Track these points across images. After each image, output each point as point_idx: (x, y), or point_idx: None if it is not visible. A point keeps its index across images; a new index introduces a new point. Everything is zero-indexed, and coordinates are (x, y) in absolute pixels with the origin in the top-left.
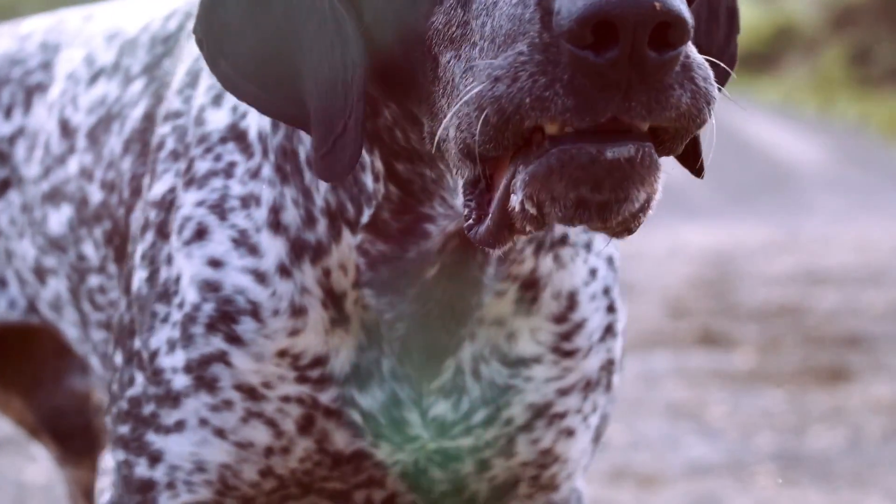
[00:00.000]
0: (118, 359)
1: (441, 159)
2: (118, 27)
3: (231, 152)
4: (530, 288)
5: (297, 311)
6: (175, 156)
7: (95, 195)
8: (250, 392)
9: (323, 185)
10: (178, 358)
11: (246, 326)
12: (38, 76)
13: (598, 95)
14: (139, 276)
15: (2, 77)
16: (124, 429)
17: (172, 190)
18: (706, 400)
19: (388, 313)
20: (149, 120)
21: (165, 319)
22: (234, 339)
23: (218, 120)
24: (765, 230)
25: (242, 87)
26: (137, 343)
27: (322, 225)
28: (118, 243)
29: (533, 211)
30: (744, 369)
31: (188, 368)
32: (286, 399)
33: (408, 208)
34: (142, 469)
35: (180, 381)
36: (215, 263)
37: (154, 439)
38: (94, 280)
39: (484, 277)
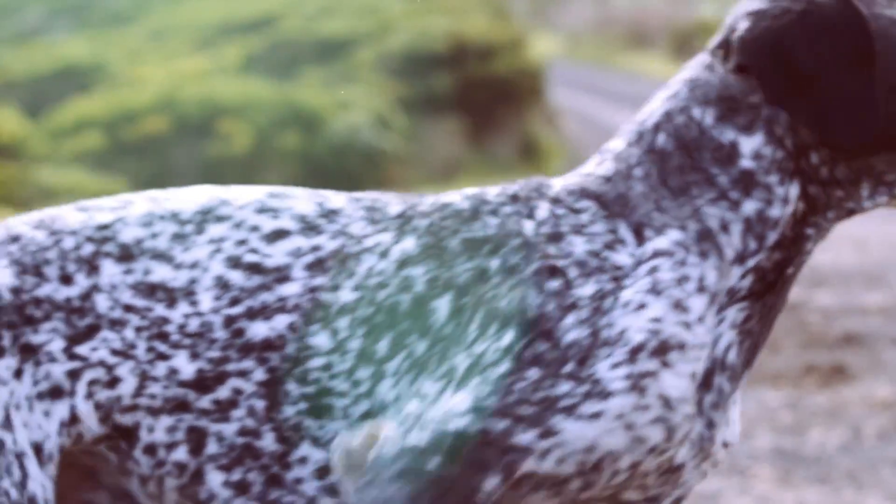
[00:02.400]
0: (533, 374)
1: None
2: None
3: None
4: None
5: (704, 345)
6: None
7: None
8: (665, 402)
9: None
10: (621, 371)
11: (673, 356)
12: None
13: None
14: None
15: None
16: (527, 409)
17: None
18: None
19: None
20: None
21: (609, 356)
22: (665, 364)
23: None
24: None
25: None
26: (584, 373)
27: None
28: None
29: None
30: None
31: (628, 377)
32: (689, 418)
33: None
34: (520, 437)
35: (616, 385)
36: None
37: (563, 423)
38: None
39: None
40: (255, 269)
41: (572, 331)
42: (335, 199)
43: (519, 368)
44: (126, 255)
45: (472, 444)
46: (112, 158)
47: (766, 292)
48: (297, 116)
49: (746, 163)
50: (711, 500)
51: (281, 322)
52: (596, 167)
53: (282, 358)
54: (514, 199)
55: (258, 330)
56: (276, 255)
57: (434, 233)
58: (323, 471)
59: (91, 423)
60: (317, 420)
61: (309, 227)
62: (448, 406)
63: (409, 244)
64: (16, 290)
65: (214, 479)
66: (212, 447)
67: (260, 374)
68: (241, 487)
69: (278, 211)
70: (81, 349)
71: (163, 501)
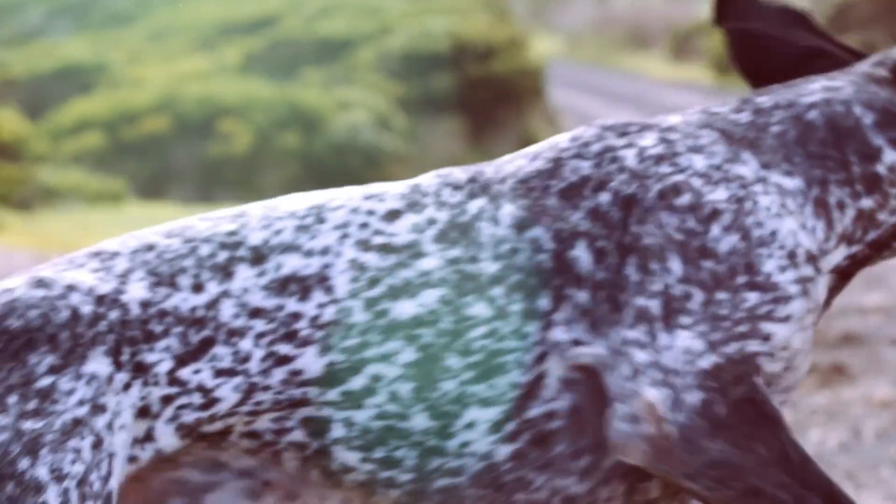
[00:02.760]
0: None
1: None
2: None
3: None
4: None
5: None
6: None
7: None
8: (817, 305)
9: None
10: (790, 275)
11: (819, 264)
12: None
13: None
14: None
15: None
16: (743, 327)
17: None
18: None
19: None
20: None
21: (770, 255)
22: (817, 270)
23: None
24: None
25: None
26: (760, 278)
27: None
28: None
29: None
30: None
31: (797, 280)
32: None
33: None
34: (753, 346)
35: (792, 289)
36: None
37: (771, 327)
38: None
39: None
40: (386, 248)
41: (724, 239)
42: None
43: (708, 294)
44: (258, 256)
45: (728, 372)
46: (112, 158)
47: (847, 277)
48: (297, 116)
49: (881, 169)
50: None
51: (430, 297)
52: (728, 111)
53: (437, 333)
54: (599, 137)
55: (405, 308)
56: (401, 232)
57: (524, 195)
58: (497, 425)
59: (171, 442)
60: (486, 382)
61: (412, 203)
62: (682, 347)
63: (510, 209)
64: (145, 304)
65: (348, 456)
66: (339, 431)
67: (409, 355)
68: (388, 463)
69: (380, 195)
70: (184, 372)
71: (283, 467)
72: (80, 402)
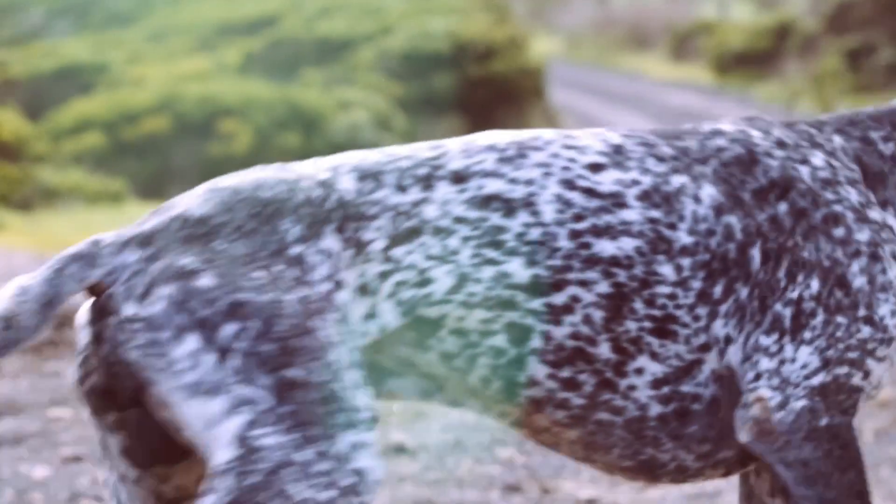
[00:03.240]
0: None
1: None
2: None
3: None
4: None
5: None
6: None
7: None
8: None
9: None
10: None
11: None
12: None
13: None
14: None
15: None
16: (853, 354)
17: None
18: None
19: None
20: None
21: (886, 301)
22: None
23: None
24: None
25: None
26: (876, 317)
27: None
28: None
29: None
30: None
31: None
32: None
33: None
34: (856, 379)
35: (894, 330)
36: None
37: (872, 364)
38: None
39: None
40: (591, 192)
41: (858, 277)
42: (607, 135)
43: (831, 316)
44: (458, 178)
45: (834, 393)
46: (112, 158)
47: None
48: (297, 116)
49: None
50: (710, 499)
51: (627, 244)
52: (880, 137)
53: (629, 277)
54: (781, 144)
55: (605, 246)
56: (605, 182)
57: (725, 180)
58: (658, 382)
59: (390, 318)
60: (659, 339)
61: (616, 163)
62: (801, 361)
63: (711, 191)
64: (358, 192)
65: (539, 370)
66: (536, 342)
67: (604, 287)
68: (569, 384)
69: (581, 148)
70: (397, 251)
71: (469, 372)
72: (325, 277)
